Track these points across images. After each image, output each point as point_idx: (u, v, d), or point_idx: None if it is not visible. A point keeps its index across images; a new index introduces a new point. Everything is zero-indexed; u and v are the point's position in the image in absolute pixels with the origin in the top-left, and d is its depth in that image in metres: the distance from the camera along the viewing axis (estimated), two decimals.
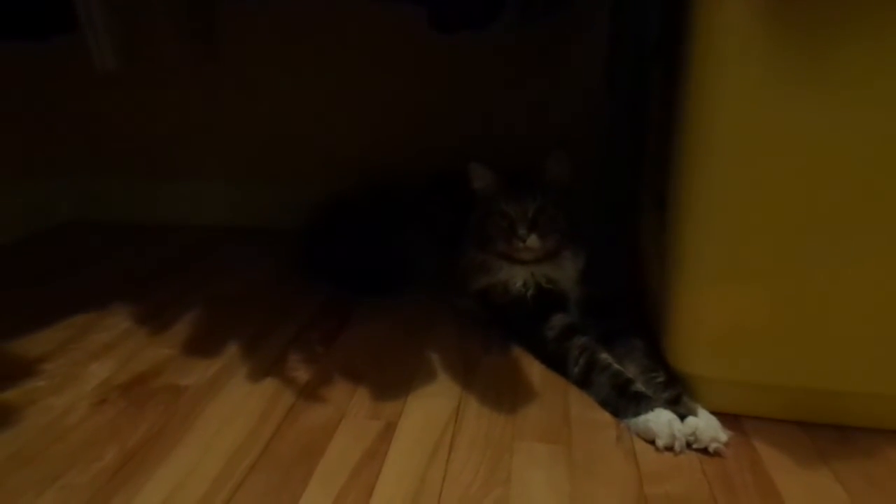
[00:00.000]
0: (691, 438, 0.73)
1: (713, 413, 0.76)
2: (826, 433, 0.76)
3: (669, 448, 0.73)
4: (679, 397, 0.77)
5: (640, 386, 0.80)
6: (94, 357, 0.96)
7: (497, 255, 1.01)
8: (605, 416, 0.80)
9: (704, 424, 0.73)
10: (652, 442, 0.74)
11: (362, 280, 1.19)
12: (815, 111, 0.65)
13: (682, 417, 0.74)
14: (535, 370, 0.92)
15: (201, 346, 0.99)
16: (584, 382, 0.85)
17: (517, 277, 0.99)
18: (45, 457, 0.73)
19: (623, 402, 0.78)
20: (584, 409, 0.81)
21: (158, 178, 1.60)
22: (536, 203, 0.97)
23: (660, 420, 0.74)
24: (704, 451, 0.72)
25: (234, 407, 0.82)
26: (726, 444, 0.73)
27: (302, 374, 0.90)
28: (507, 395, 0.85)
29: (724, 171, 0.70)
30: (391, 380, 0.89)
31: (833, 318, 0.72)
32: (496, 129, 1.40)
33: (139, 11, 1.24)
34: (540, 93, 1.36)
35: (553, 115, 1.35)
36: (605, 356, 0.85)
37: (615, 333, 0.91)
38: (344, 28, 1.39)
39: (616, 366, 0.83)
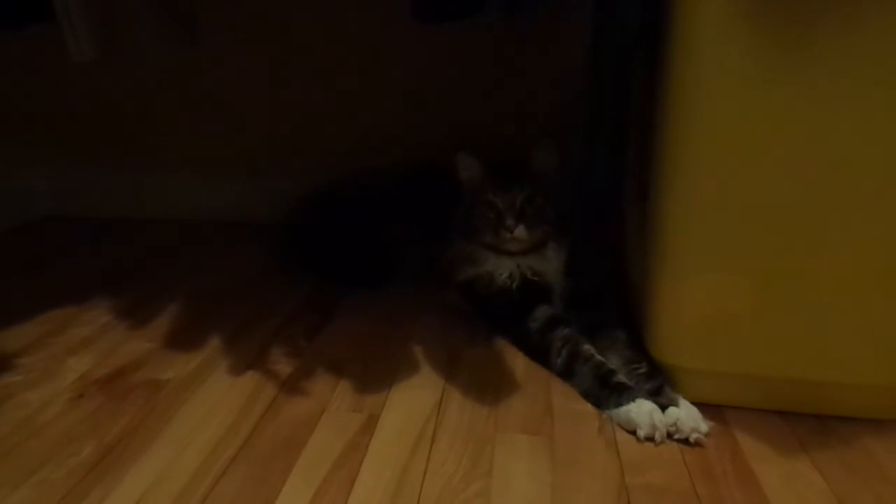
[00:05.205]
0: (672, 429, 0.73)
1: (694, 403, 0.76)
2: (806, 422, 0.77)
3: (651, 438, 0.73)
4: (661, 388, 0.78)
5: (622, 377, 0.80)
6: (73, 351, 0.94)
7: (484, 247, 1.01)
8: (588, 407, 0.80)
9: (685, 415, 0.74)
10: (633, 432, 0.74)
11: (348, 272, 1.18)
12: (795, 102, 0.66)
13: (664, 408, 0.75)
14: (518, 362, 0.92)
15: (182, 339, 0.98)
16: (566, 374, 0.85)
17: (503, 269, 0.99)
18: (21, 452, 0.72)
19: (605, 392, 0.78)
20: (567, 401, 0.82)
21: (138, 171, 1.57)
22: (524, 193, 0.97)
23: (641, 410, 0.74)
24: (685, 441, 0.73)
25: (215, 401, 0.82)
26: (707, 434, 0.73)
27: (284, 367, 0.90)
28: (490, 386, 0.85)
29: (705, 162, 0.70)
30: (374, 372, 0.88)
31: (813, 308, 0.72)
32: (485, 120, 1.39)
33: None
34: (529, 84, 1.35)
35: (542, 107, 1.35)
36: (587, 347, 0.85)
37: (598, 325, 0.91)
38: (329, 17, 1.37)
39: (598, 357, 0.83)
